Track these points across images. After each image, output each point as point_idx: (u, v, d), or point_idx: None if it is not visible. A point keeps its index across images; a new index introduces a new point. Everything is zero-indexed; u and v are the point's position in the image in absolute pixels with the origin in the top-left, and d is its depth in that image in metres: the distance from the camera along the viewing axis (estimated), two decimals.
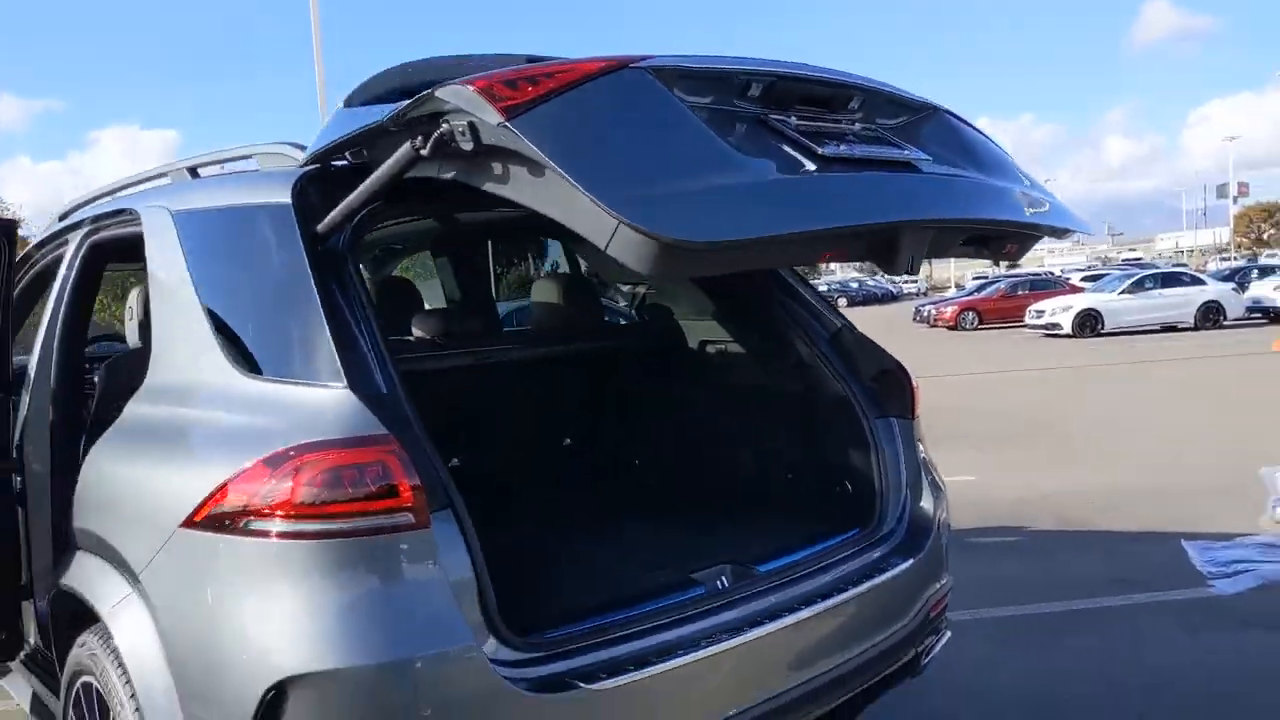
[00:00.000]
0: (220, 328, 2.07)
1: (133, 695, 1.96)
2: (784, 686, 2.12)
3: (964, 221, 2.08)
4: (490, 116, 1.60)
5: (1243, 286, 25.11)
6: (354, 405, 1.76)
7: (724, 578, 2.21)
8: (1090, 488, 6.43)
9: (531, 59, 2.24)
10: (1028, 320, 23.71)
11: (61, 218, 3.35)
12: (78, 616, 2.32)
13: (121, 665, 2.01)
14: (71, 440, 2.98)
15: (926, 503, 2.63)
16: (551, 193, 1.60)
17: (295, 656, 1.65)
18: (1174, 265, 39.25)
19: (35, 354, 3.08)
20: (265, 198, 2.13)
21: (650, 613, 2.02)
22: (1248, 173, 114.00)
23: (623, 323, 3.70)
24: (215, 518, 1.77)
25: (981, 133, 2.38)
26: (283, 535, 1.70)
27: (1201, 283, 24.10)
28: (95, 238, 3.03)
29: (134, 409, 2.25)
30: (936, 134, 2.25)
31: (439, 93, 1.68)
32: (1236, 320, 23.01)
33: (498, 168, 1.69)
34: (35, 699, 3.03)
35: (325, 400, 1.79)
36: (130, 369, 3.35)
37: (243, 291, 2.14)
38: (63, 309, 3.04)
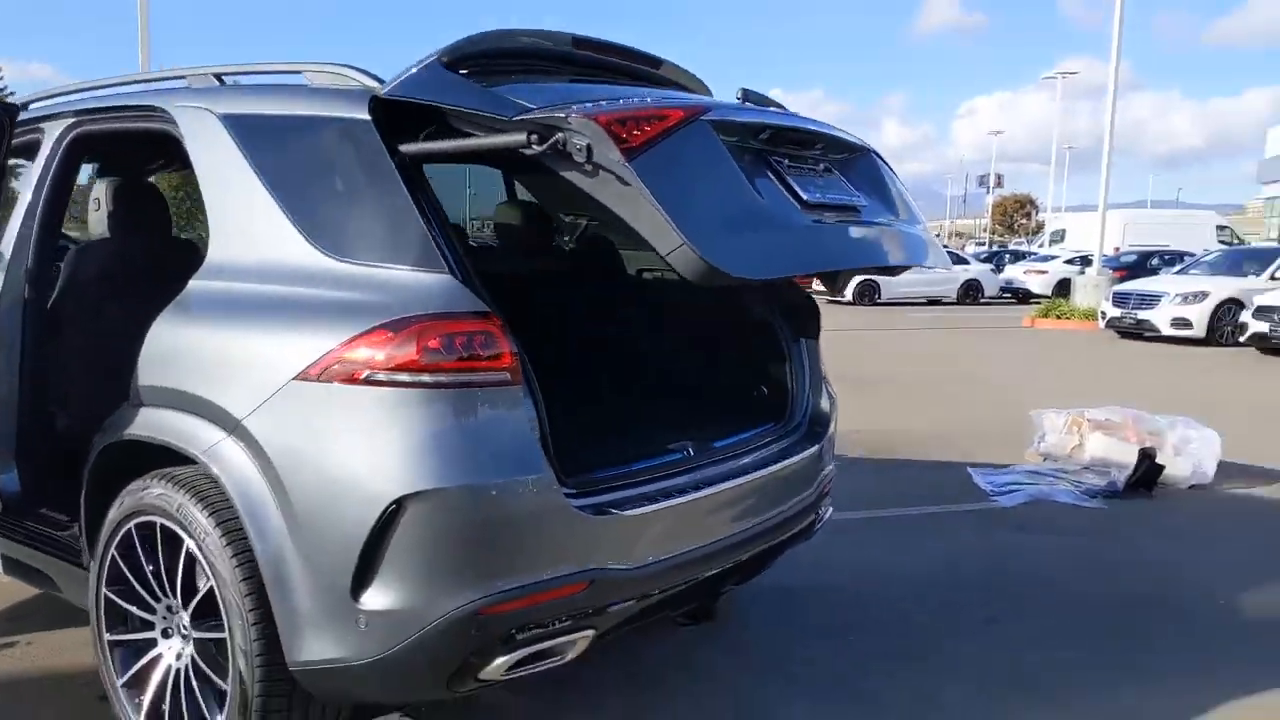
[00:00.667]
0: (303, 220, 2.44)
1: (220, 523, 2.34)
2: (730, 533, 2.76)
3: (891, 267, 2.96)
4: (612, 153, 2.10)
5: (999, 268, 28.25)
6: (459, 288, 2.22)
7: (690, 448, 2.81)
8: (891, 429, 7.50)
9: (578, 41, 2.81)
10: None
11: (23, 107, 3.45)
12: (122, 470, 2.63)
13: (203, 499, 2.38)
14: (41, 316, 3.20)
15: (824, 406, 3.33)
16: (635, 207, 2.13)
17: (416, 477, 2.11)
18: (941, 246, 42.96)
19: (10, 236, 3.23)
20: (342, 112, 2.48)
21: (650, 468, 2.60)
22: (1005, 165, 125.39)
23: (571, 248, 4.19)
24: (332, 372, 2.18)
25: (893, 172, 3.14)
26: (403, 385, 2.14)
27: (965, 262, 26.85)
28: (82, 130, 3.21)
29: (205, 285, 2.56)
30: (867, 173, 3.00)
31: (572, 121, 2.13)
32: (991, 298, 26.09)
33: (594, 176, 2.15)
34: (6, 560, 3.23)
35: (433, 282, 2.23)
36: (102, 255, 3.56)
37: (325, 190, 2.49)
38: (44, 195, 3.21)
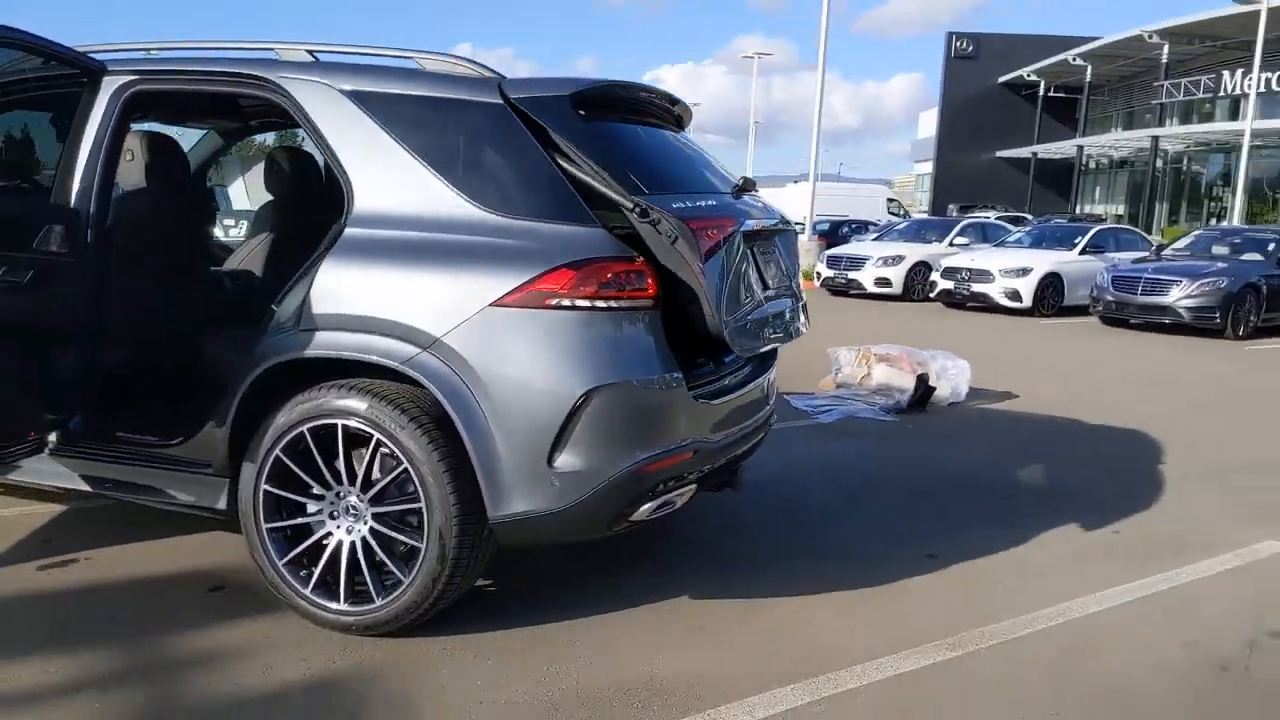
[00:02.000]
0: (459, 182, 3.10)
1: (413, 418, 2.99)
2: (748, 423, 3.71)
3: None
4: (695, 250, 3.02)
5: None
6: (612, 238, 3.02)
7: (710, 364, 3.75)
8: None
9: (666, 96, 3.78)
10: None
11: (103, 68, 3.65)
12: (290, 382, 3.17)
13: (393, 401, 3.01)
14: (103, 262, 3.56)
15: None
16: (687, 279, 3.06)
17: (598, 375, 2.93)
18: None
19: (74, 186, 3.51)
20: (481, 97, 3.18)
21: (709, 373, 3.51)
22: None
23: None
24: (525, 300, 2.93)
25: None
26: (583, 310, 2.94)
27: None
28: (141, 88, 3.56)
29: (370, 233, 3.13)
30: (787, 246, 4.08)
31: (666, 222, 2.99)
32: None
33: (666, 247, 3.01)
34: (91, 479, 3.55)
35: (592, 234, 3.01)
36: (142, 203, 3.90)
37: (477, 158, 3.17)
38: (104, 149, 3.53)
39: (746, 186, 3.89)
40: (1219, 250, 14.32)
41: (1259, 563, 4.26)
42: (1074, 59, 45.46)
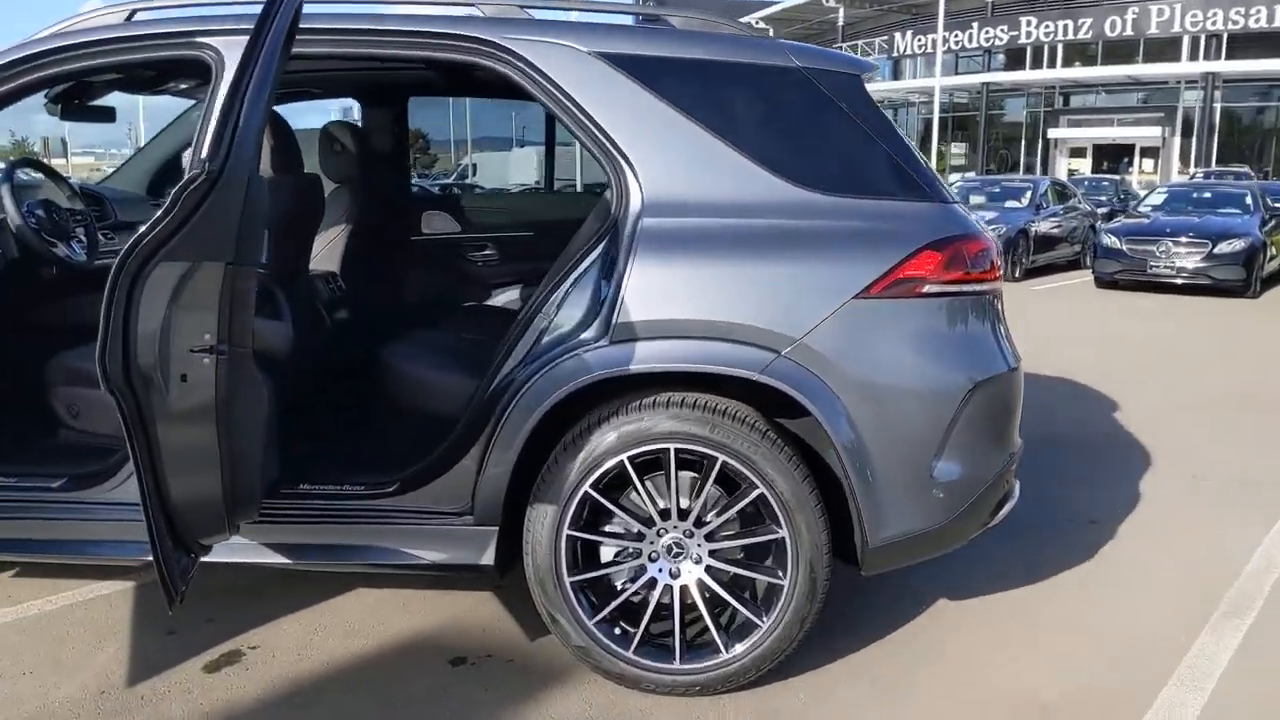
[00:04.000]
0: (771, 159, 2.69)
1: (764, 434, 2.60)
2: None
3: None
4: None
5: None
6: (962, 212, 2.77)
7: None
8: None
9: None
10: None
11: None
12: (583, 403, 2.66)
13: (738, 417, 2.60)
14: None
15: None
16: None
17: (982, 367, 2.69)
18: None
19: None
20: (772, 60, 2.78)
21: None
22: None
23: None
24: (895, 289, 2.61)
25: None
26: (955, 295, 2.67)
27: None
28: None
29: (675, 222, 2.64)
30: None
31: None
32: None
33: None
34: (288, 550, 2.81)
35: (938, 209, 2.73)
36: (276, 190, 3.19)
37: (784, 130, 2.77)
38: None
39: None
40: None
41: None
42: (757, 22, 48.34)
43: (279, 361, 2.67)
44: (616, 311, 2.61)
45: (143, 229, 2.10)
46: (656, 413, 2.63)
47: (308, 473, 2.86)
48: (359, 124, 4.35)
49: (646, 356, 2.61)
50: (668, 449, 2.63)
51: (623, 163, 2.69)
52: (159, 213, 2.11)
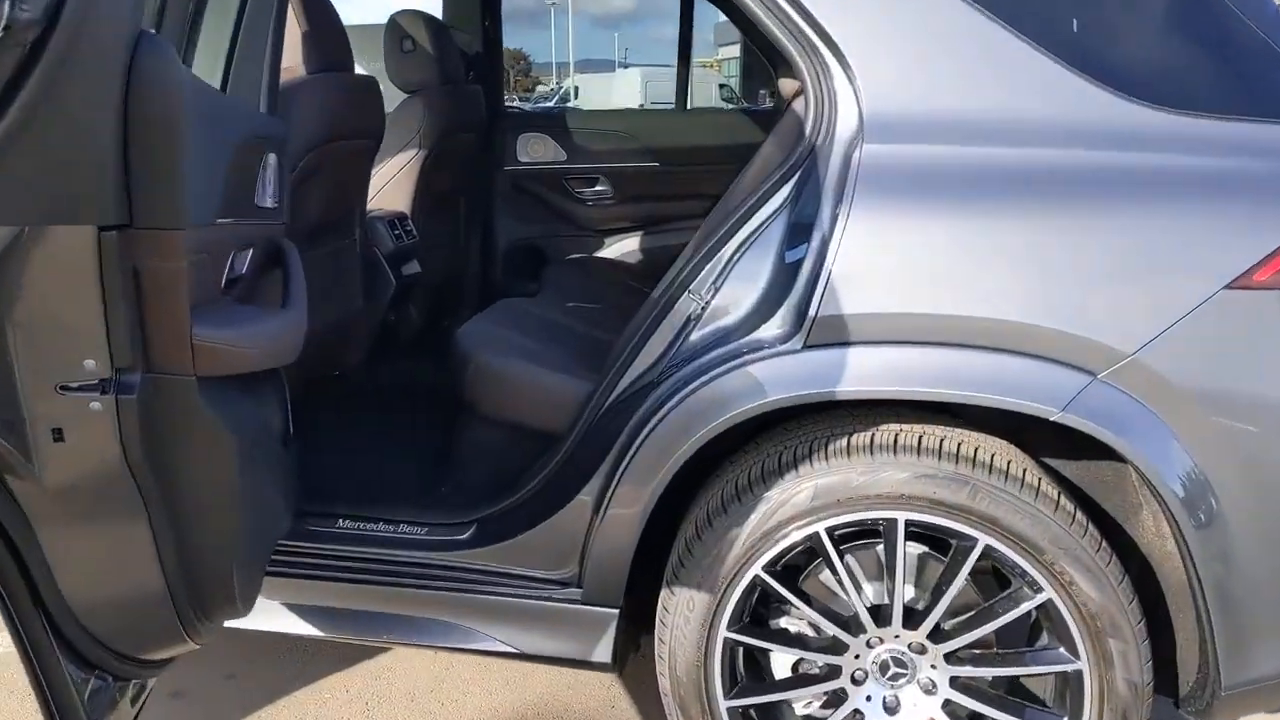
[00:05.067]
0: (1095, 68, 1.64)
1: (1064, 507, 1.61)
2: None
3: None
4: None
5: None
6: None
7: None
8: None
9: None
10: None
11: None
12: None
13: (1010, 476, 1.61)
14: None
15: None
16: None
17: None
18: None
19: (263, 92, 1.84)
20: None
21: None
22: None
23: None
24: None
25: None
26: None
27: None
28: None
29: (910, 151, 1.62)
30: None
31: None
32: None
33: None
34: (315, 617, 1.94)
35: None
36: None
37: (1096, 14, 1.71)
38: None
39: None
40: None
41: None
42: None
43: (292, 370, 1.76)
44: (818, 297, 1.61)
45: None
46: (877, 459, 1.64)
47: (345, 501, 1.98)
48: (437, 16, 3.36)
49: (870, 373, 1.62)
50: (896, 520, 1.64)
51: (826, 53, 1.67)
52: None
